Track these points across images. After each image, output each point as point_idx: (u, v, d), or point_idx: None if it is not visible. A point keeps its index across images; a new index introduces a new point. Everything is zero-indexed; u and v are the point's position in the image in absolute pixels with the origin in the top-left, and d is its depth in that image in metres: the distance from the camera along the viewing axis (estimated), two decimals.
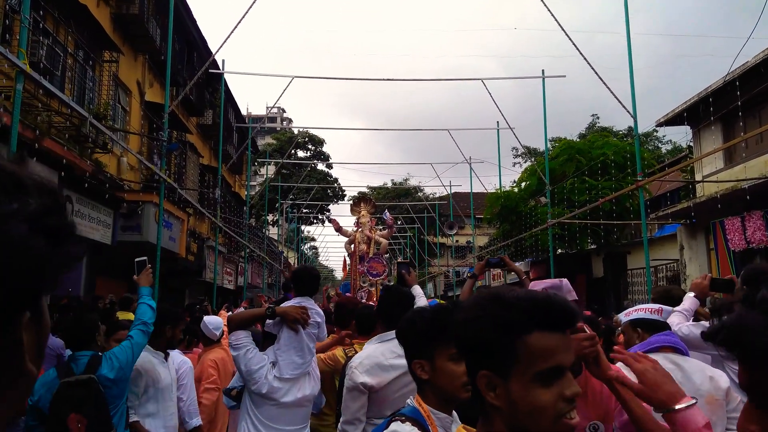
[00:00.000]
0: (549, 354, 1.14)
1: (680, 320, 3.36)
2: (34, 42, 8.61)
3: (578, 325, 1.96)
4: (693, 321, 3.46)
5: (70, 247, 0.63)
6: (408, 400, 1.91)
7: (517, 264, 23.09)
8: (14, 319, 0.60)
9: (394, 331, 2.63)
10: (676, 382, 1.71)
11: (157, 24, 14.68)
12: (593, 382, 2.08)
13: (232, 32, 11.75)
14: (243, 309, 8.17)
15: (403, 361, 2.31)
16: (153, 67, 15.38)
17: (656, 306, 2.81)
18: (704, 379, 2.55)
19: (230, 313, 8.24)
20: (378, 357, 2.95)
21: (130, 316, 7.66)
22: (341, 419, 2.98)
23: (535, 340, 1.14)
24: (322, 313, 3.85)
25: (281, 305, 3.73)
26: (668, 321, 3.18)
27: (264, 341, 3.94)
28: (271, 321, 3.61)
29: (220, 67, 17.11)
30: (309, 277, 3.87)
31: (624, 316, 2.98)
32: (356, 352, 3.85)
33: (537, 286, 2.25)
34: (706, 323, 3.30)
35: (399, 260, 36.04)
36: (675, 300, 3.83)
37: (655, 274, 16.94)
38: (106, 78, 12.22)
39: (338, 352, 4.21)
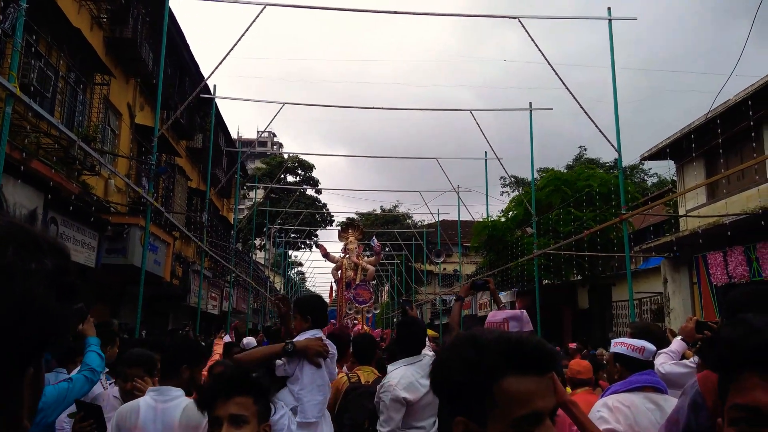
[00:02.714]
0: (526, 399, 1.06)
1: (664, 360, 3.40)
2: (26, 64, 8.65)
3: None
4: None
5: (77, 307, 0.66)
6: None
7: (502, 294, 23.07)
8: (21, 375, 0.63)
9: (418, 356, 3.62)
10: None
11: (150, 48, 14.79)
12: None
13: (224, 59, 11.87)
14: (226, 338, 8.07)
15: (429, 382, 2.61)
16: (144, 90, 15.45)
17: (639, 344, 2.85)
18: None
19: (225, 338, 8.14)
20: (410, 377, 3.51)
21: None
22: (385, 429, 3.46)
23: (511, 384, 1.07)
24: (334, 346, 3.56)
25: (295, 339, 3.37)
26: (654, 361, 3.25)
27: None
28: (282, 361, 3.24)
29: (212, 92, 17.21)
30: (324, 306, 3.64)
31: (612, 346, 3.04)
32: (359, 378, 4.32)
33: (497, 316, 2.31)
34: (687, 362, 3.35)
35: (403, 299, 36.09)
36: (655, 337, 3.88)
37: (640, 307, 17.05)
38: (96, 100, 12.26)
39: (341, 379, 4.29)
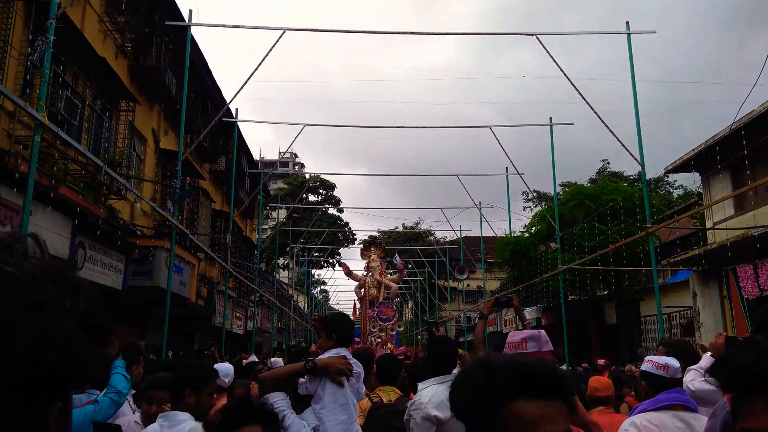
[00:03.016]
0: (534, 423, 1.08)
1: (694, 377, 3.33)
2: (53, 93, 8.90)
3: None
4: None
5: (107, 348, 0.70)
6: None
7: (527, 310, 22.84)
8: (48, 408, 0.66)
9: (448, 375, 3.57)
10: None
11: (173, 74, 15.10)
12: (571, 429, 2.14)
13: (245, 83, 12.07)
14: (252, 358, 8.11)
15: None
16: (168, 115, 15.75)
17: (663, 361, 2.80)
18: None
19: (251, 357, 8.24)
20: (441, 395, 3.42)
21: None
22: None
23: (520, 407, 1.10)
24: (360, 364, 3.47)
25: (319, 357, 3.32)
26: (684, 378, 3.19)
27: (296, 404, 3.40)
28: (304, 379, 3.18)
29: (234, 116, 17.48)
30: (349, 324, 3.53)
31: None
32: (380, 399, 4.33)
33: (515, 336, 2.29)
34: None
35: (429, 321, 35.99)
36: (689, 353, 3.82)
37: (669, 322, 16.72)
38: (122, 127, 12.53)
39: (364, 401, 4.27)
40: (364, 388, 3.71)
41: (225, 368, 5.48)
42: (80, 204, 8.95)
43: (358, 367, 3.36)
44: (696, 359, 3.70)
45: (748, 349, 0.97)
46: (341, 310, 69.66)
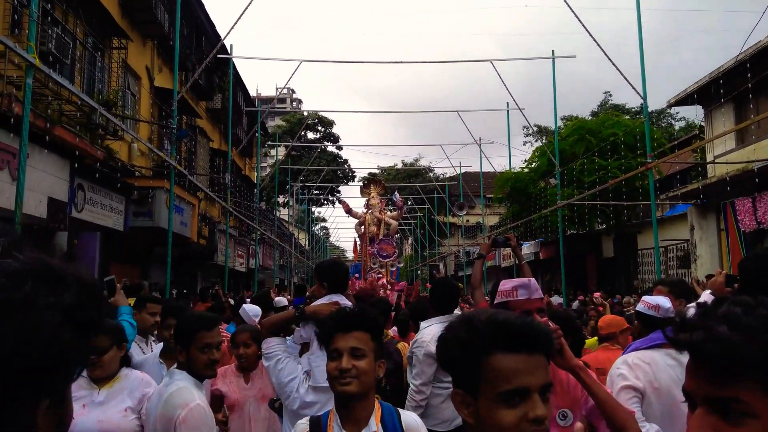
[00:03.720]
0: (511, 375, 1.15)
1: None
2: (43, 32, 8.67)
3: (538, 320, 2.10)
4: None
5: (107, 279, 0.69)
6: None
7: (527, 244, 23.00)
8: (33, 406, 0.65)
9: (450, 314, 3.84)
10: None
11: (165, 9, 14.66)
12: (560, 373, 2.21)
13: (239, 18, 11.74)
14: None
15: None
16: (162, 52, 15.41)
17: (654, 302, 2.86)
18: None
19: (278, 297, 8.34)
20: None
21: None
22: (417, 382, 3.73)
23: (496, 360, 1.16)
24: None
25: (311, 305, 3.30)
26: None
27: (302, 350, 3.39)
28: (300, 327, 3.17)
29: (229, 52, 17.09)
30: (340, 270, 3.49)
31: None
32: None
33: (506, 285, 2.33)
34: None
35: (430, 263, 36.25)
36: (690, 291, 3.89)
37: (666, 254, 16.93)
38: (115, 65, 12.28)
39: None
40: None
41: (254, 309, 5.25)
42: (77, 146, 8.89)
43: None
44: (694, 297, 3.77)
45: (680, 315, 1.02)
46: (342, 246, 70.33)
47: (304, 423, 2.09)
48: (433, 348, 3.71)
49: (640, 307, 2.94)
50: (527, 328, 1.19)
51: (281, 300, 7.44)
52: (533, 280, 2.35)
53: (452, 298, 4.04)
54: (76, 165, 8.75)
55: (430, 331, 3.83)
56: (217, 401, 3.51)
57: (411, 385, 3.83)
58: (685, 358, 2.88)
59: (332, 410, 2.05)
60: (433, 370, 3.77)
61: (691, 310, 2.99)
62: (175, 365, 2.67)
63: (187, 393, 2.45)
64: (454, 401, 1.25)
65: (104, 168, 10.02)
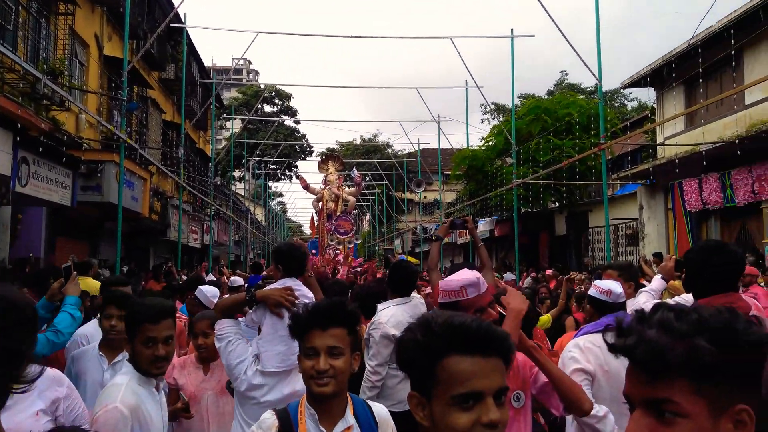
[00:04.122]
0: (465, 378, 1.15)
1: (647, 299, 3.51)
2: None
3: (492, 314, 2.13)
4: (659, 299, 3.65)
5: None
6: None
7: (482, 221, 23.23)
8: None
9: (407, 297, 3.99)
10: None
11: None
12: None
13: None
14: (210, 277, 8.09)
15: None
16: (111, 19, 14.78)
17: (606, 287, 2.92)
18: None
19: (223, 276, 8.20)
20: (399, 316, 3.83)
21: (88, 281, 7.57)
22: (373, 363, 3.81)
23: (451, 363, 1.16)
24: (311, 295, 3.33)
25: (263, 289, 3.24)
26: (636, 300, 3.34)
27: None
28: (252, 310, 3.13)
29: (183, 21, 16.55)
30: (295, 254, 3.39)
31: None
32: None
33: (451, 284, 2.31)
34: (670, 300, 3.45)
35: (384, 248, 36.24)
36: (636, 274, 4.02)
37: (615, 233, 17.42)
38: (61, 32, 11.72)
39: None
40: None
41: (211, 291, 5.05)
42: (20, 116, 8.48)
43: (307, 299, 3.24)
44: (643, 279, 3.88)
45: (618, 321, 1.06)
46: (299, 222, 69.87)
47: (270, 417, 2.00)
48: (389, 329, 3.77)
49: (592, 291, 3.00)
50: (483, 331, 1.18)
51: (236, 279, 7.32)
52: (479, 275, 2.33)
53: (409, 280, 4.10)
54: (19, 137, 8.34)
55: (387, 313, 3.89)
56: (172, 393, 3.37)
57: (367, 366, 3.86)
58: None
59: (302, 402, 2.00)
60: (389, 352, 3.80)
61: (644, 295, 3.08)
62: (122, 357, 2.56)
63: (113, 391, 2.29)
64: (410, 403, 1.24)
65: (50, 140, 9.60)
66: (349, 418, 1.99)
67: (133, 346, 2.42)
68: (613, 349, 1.03)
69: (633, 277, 3.64)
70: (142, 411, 2.32)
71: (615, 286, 2.91)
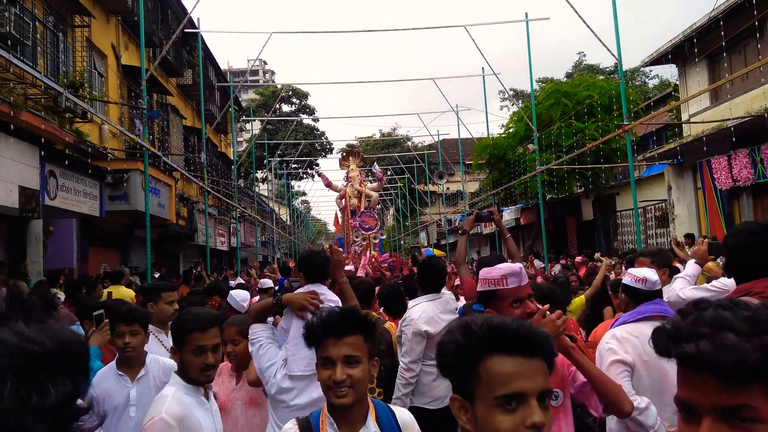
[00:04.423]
0: (508, 379, 1.13)
1: (683, 285, 3.40)
2: (0, 11, 8.32)
3: (543, 308, 2.07)
4: (698, 283, 3.57)
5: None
6: None
7: (507, 210, 22.97)
8: None
9: (438, 293, 3.98)
10: None
11: None
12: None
13: None
14: (239, 280, 8.13)
15: (448, 317, 3.80)
16: (127, 28, 14.95)
17: (641, 275, 2.85)
18: None
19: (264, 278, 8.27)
20: (431, 312, 3.83)
21: (122, 290, 7.69)
22: (406, 360, 3.77)
23: (493, 364, 1.14)
24: (335, 298, 3.33)
25: (288, 294, 3.23)
26: (671, 286, 3.26)
27: None
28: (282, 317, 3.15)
29: (197, 25, 16.67)
30: (320, 260, 3.41)
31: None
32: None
33: (492, 272, 2.26)
34: (708, 286, 3.35)
35: (412, 245, 36.12)
36: (669, 259, 3.93)
37: (644, 215, 17.13)
38: (79, 44, 11.89)
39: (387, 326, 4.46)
40: None
41: (242, 295, 5.06)
42: (45, 130, 8.62)
43: (333, 303, 3.26)
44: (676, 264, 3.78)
45: (670, 322, 1.01)
46: (324, 219, 69.96)
47: (292, 427, 2.00)
48: (422, 326, 3.74)
49: (626, 280, 2.93)
50: (525, 331, 1.16)
51: (266, 281, 7.35)
52: (521, 265, 2.29)
53: (439, 277, 4.07)
54: (44, 152, 8.49)
55: (419, 309, 3.86)
56: None
57: (401, 363, 3.83)
58: None
59: (323, 411, 1.98)
60: (422, 348, 3.78)
61: (680, 281, 2.96)
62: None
63: (160, 403, 2.32)
64: (452, 407, 1.22)
65: (75, 153, 9.75)
66: (371, 425, 1.95)
67: (181, 355, 2.43)
68: (682, 357, 0.95)
69: (666, 263, 3.56)
70: (190, 420, 2.33)
71: (650, 274, 2.83)
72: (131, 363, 3.13)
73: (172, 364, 3.06)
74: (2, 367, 0.54)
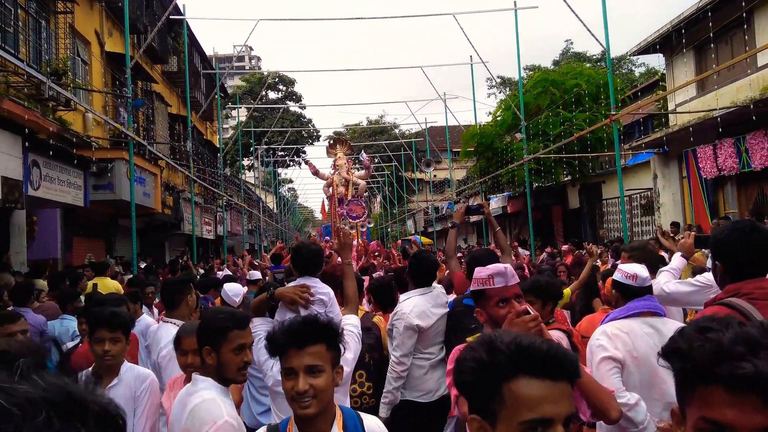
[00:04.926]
0: (535, 403, 1.07)
1: (668, 279, 3.40)
2: None
3: (521, 308, 2.06)
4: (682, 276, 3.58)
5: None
6: None
7: (494, 198, 23.03)
8: None
9: (429, 287, 3.96)
10: None
11: None
12: None
13: None
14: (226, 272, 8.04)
15: (439, 311, 3.84)
16: (111, 14, 14.70)
17: (632, 271, 2.86)
18: None
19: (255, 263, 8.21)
20: (422, 306, 3.82)
21: (107, 281, 7.62)
22: (398, 354, 3.76)
23: (520, 386, 1.08)
24: (326, 290, 3.41)
25: (280, 288, 3.31)
26: (656, 280, 3.27)
27: None
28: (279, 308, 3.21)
29: (182, 12, 16.45)
30: (309, 253, 3.47)
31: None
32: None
33: (481, 272, 2.26)
34: (692, 280, 3.34)
35: (402, 239, 36.05)
36: (653, 256, 3.94)
37: (630, 203, 17.25)
38: (62, 31, 11.67)
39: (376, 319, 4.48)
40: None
41: (235, 288, 5.03)
42: (27, 120, 8.48)
43: (324, 296, 3.37)
44: (657, 260, 3.80)
45: (707, 343, 0.96)
46: (311, 207, 69.68)
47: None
48: (413, 319, 3.75)
49: (617, 276, 2.94)
50: (554, 353, 1.10)
51: (254, 273, 7.28)
52: (509, 266, 2.29)
53: (431, 270, 4.06)
54: (27, 141, 8.36)
55: (410, 303, 3.86)
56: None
57: (391, 356, 3.84)
58: (663, 325, 2.86)
59: (291, 419, 1.97)
60: (413, 342, 3.79)
61: (664, 275, 2.95)
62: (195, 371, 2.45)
63: (214, 407, 2.21)
64: (470, 428, 1.16)
65: (59, 142, 9.61)
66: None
67: (219, 356, 2.32)
68: (730, 375, 0.92)
69: (645, 258, 3.57)
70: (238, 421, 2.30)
71: (640, 270, 2.84)
72: (110, 372, 2.91)
73: (148, 372, 3.02)
74: (41, 402, 0.54)
